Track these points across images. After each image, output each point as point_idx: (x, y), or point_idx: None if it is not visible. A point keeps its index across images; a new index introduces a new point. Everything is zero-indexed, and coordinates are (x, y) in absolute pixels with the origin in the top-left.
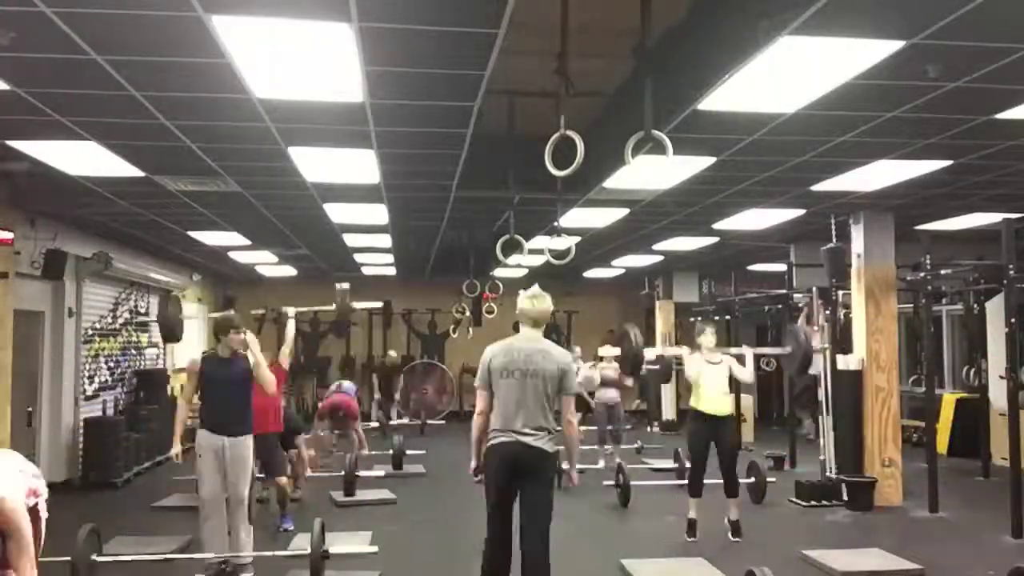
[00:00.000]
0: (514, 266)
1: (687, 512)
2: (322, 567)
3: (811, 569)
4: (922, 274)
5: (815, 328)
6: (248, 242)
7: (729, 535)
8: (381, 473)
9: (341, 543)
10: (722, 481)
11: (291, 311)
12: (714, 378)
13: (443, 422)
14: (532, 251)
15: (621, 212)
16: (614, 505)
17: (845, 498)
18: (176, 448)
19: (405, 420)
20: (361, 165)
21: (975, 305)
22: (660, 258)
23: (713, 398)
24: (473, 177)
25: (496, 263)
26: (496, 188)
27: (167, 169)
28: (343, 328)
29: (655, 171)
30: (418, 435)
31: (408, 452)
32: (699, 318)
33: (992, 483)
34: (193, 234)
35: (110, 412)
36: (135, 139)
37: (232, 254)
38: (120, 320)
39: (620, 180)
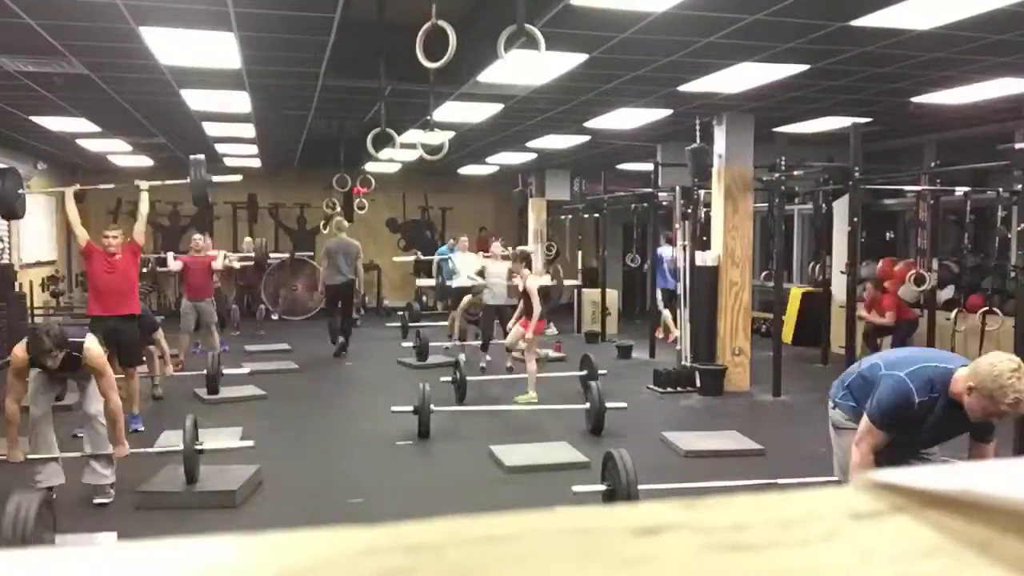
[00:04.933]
0: (386, 160)
1: None
2: (197, 462)
3: (666, 449)
4: (776, 175)
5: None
6: (98, 129)
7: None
8: (247, 370)
9: (212, 439)
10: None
11: (144, 184)
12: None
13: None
14: (405, 145)
15: (495, 108)
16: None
17: (698, 384)
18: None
19: (276, 317)
20: (221, 49)
21: (823, 205)
22: (533, 156)
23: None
24: (342, 65)
25: (367, 157)
26: (366, 78)
27: (2, 47)
28: (205, 205)
29: (528, 66)
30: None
31: (275, 347)
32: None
33: (829, 369)
34: (37, 119)
35: None
36: None
37: (81, 142)
38: None
39: (494, 74)
